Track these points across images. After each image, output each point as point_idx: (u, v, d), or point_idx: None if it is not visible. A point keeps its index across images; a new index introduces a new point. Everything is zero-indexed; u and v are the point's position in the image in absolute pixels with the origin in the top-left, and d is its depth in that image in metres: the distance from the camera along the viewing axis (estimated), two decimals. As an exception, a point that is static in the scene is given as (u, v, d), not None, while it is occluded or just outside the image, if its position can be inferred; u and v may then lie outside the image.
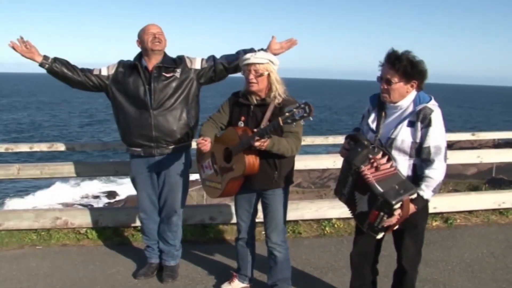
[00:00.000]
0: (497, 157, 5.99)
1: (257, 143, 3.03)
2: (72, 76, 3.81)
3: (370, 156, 2.74)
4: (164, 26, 3.78)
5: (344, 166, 2.89)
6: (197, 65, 3.84)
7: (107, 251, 4.62)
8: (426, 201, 2.82)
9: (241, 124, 3.32)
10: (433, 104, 2.81)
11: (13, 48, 3.68)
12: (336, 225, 5.32)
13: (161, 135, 3.72)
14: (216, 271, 4.12)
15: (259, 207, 3.59)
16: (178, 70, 3.75)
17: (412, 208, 2.75)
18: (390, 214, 2.66)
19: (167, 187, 3.86)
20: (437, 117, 2.77)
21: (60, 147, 4.80)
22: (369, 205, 2.74)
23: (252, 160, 3.18)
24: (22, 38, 3.67)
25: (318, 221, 5.34)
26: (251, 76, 3.21)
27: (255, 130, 3.10)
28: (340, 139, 5.45)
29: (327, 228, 5.26)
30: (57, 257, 4.43)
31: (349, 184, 2.85)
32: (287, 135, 3.21)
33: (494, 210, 5.70)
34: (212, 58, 3.90)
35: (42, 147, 4.85)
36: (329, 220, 5.34)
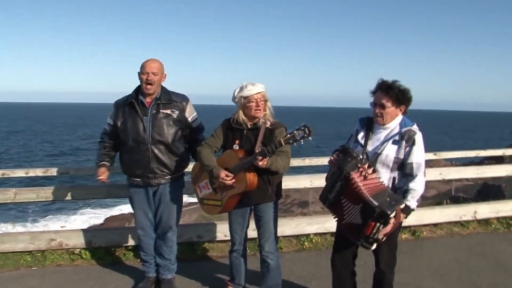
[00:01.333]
0: (457, 174, 6.56)
1: (260, 162, 3.44)
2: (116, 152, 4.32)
3: (359, 165, 3.18)
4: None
5: (335, 172, 3.30)
6: (190, 118, 4.17)
7: (102, 269, 4.86)
8: (412, 210, 3.29)
9: (236, 147, 3.72)
10: (416, 128, 3.33)
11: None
12: (313, 240, 5.73)
13: (159, 166, 4.06)
14: (210, 283, 4.46)
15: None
16: (176, 111, 4.07)
17: (402, 217, 3.21)
18: (386, 223, 3.10)
19: (163, 205, 4.18)
20: (419, 138, 3.30)
21: (55, 172, 5.04)
22: (364, 218, 3.15)
23: (252, 178, 3.59)
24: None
25: (297, 236, 5.73)
26: (260, 103, 3.63)
27: (257, 150, 3.51)
28: (315, 161, 5.91)
29: (305, 243, 5.66)
30: (55, 277, 4.64)
31: (336, 189, 3.27)
32: (279, 154, 3.62)
33: (456, 222, 6.26)
34: (201, 127, 4.29)
35: (38, 172, 5.08)
36: (307, 235, 5.75)
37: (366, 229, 3.14)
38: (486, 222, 6.36)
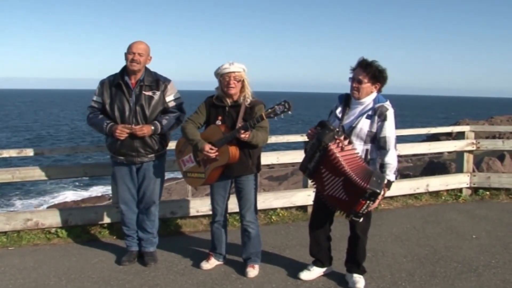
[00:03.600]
0: (411, 149, 7.05)
1: (243, 135, 3.69)
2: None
3: (336, 137, 3.49)
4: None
5: (314, 143, 3.60)
6: (168, 98, 4.29)
7: (80, 246, 4.96)
8: (392, 182, 3.64)
9: (218, 122, 3.95)
10: (388, 104, 3.66)
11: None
12: (280, 214, 6.08)
13: (141, 145, 4.22)
14: (189, 255, 4.65)
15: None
16: (158, 93, 4.23)
17: (385, 190, 3.56)
18: (375, 200, 3.44)
19: (147, 180, 4.35)
20: (391, 114, 3.64)
21: (29, 152, 5.06)
22: (351, 196, 3.45)
23: (234, 151, 3.84)
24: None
25: (265, 211, 6.03)
26: (231, 82, 3.85)
27: (239, 124, 3.76)
28: (281, 139, 6.21)
29: (273, 217, 6.00)
30: (36, 254, 4.71)
31: (315, 159, 3.58)
32: (258, 129, 3.88)
33: (410, 195, 6.80)
34: (180, 109, 4.35)
35: (12, 153, 5.09)
36: (274, 209, 6.09)
37: (357, 207, 3.45)
38: (437, 194, 6.93)
